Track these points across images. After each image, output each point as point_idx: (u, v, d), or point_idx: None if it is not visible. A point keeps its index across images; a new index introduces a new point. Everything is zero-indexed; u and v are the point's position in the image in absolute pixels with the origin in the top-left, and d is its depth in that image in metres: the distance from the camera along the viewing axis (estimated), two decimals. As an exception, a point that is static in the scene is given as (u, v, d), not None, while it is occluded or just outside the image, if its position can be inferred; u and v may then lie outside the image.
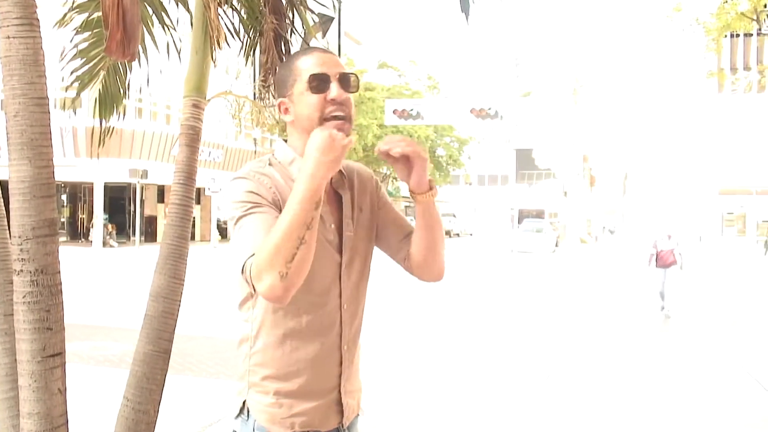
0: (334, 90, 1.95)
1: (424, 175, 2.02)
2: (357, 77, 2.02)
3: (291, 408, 1.98)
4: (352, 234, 2.09)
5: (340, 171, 2.11)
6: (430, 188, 2.04)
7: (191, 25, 4.32)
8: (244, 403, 2.01)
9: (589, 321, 12.64)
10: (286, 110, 2.03)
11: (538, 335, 10.95)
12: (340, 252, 2.05)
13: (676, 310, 13.38)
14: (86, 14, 4.24)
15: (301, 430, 1.99)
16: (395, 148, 1.97)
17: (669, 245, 13.19)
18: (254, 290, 1.81)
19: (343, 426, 2.09)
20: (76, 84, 4.52)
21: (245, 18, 4.08)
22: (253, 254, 1.78)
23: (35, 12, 2.88)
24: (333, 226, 2.05)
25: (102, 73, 4.52)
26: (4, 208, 3.64)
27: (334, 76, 1.96)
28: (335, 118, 1.94)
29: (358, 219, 2.12)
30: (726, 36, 22.92)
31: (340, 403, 2.07)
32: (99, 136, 4.71)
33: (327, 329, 2.03)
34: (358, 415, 2.19)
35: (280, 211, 1.84)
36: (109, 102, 4.67)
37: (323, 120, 1.94)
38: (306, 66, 1.97)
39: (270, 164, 2.04)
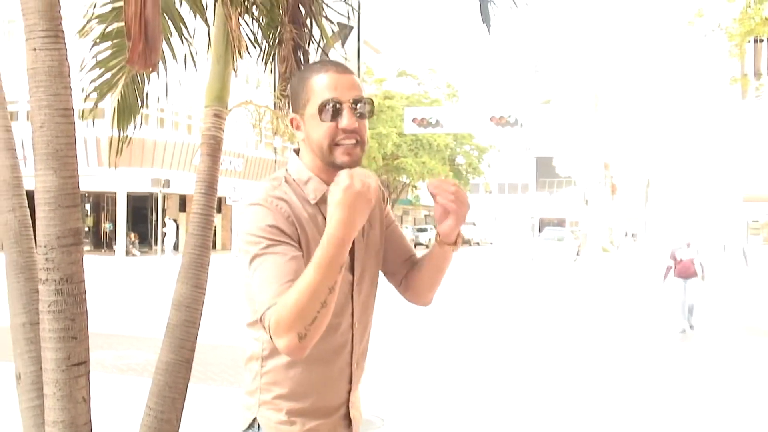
0: (346, 118, 1.87)
1: (457, 230, 2.00)
2: (372, 102, 1.94)
3: (303, 426, 1.98)
4: (363, 251, 2.05)
5: None
6: (456, 242, 2.03)
7: (209, 36, 4.35)
8: (254, 419, 2.00)
9: (609, 334, 12.54)
10: (298, 127, 1.98)
11: (559, 347, 10.88)
12: (352, 270, 2.01)
13: (698, 324, 12.53)
14: (105, 25, 4.28)
15: None
16: (441, 197, 1.95)
17: (689, 254, 12.20)
18: (271, 339, 1.79)
19: None
20: (94, 95, 4.56)
21: (265, 27, 4.11)
22: (272, 305, 1.75)
23: (60, 24, 2.92)
24: None
25: (121, 84, 4.56)
26: (29, 218, 3.68)
27: (347, 102, 1.88)
28: (345, 144, 1.89)
29: (369, 235, 2.08)
30: (749, 41, 22.74)
31: (348, 417, 2.07)
32: (116, 146, 4.74)
33: (339, 349, 2.02)
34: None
35: (298, 241, 1.85)
36: (127, 112, 4.71)
37: (334, 145, 1.89)
38: (319, 87, 1.88)
39: (286, 181, 1.99)
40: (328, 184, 1.91)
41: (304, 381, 1.97)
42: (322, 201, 1.91)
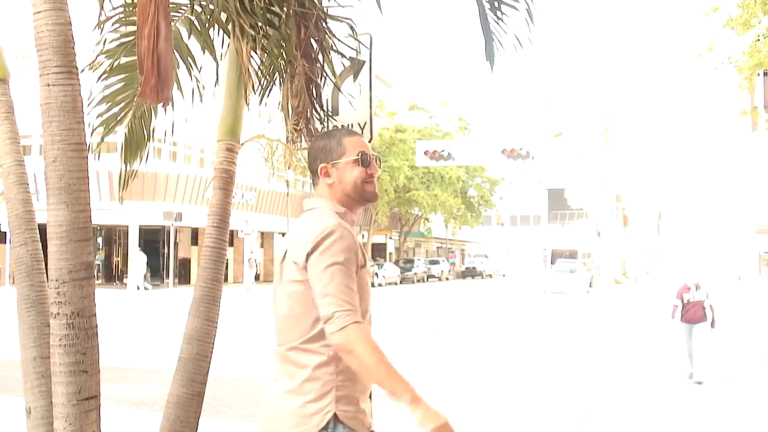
0: (373, 166, 2.59)
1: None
2: (380, 159, 2.72)
3: (366, 411, 2.44)
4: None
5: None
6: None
7: (216, 71, 4.39)
8: (333, 416, 2.34)
9: (615, 376, 12.37)
10: (328, 174, 2.56)
11: (563, 385, 10.78)
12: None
13: (707, 375, 10.61)
14: (113, 60, 4.32)
15: (372, 429, 2.47)
16: None
17: (697, 296, 10.72)
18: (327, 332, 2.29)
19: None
20: (100, 129, 4.59)
21: (276, 63, 4.14)
22: (348, 309, 2.26)
23: (74, 60, 2.95)
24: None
25: (128, 118, 4.59)
26: (41, 252, 3.69)
27: (373, 156, 2.60)
28: (369, 182, 2.56)
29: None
30: (759, 74, 22.78)
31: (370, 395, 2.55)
32: (122, 180, 4.77)
33: None
34: None
35: (356, 261, 2.38)
36: (134, 146, 4.74)
37: (364, 183, 2.54)
38: (354, 146, 2.57)
39: (335, 213, 2.50)
40: (354, 216, 2.58)
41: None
42: (353, 228, 2.53)
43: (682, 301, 10.74)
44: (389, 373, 2.22)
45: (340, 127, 2.92)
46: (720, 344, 13.79)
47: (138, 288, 33.31)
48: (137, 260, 33.91)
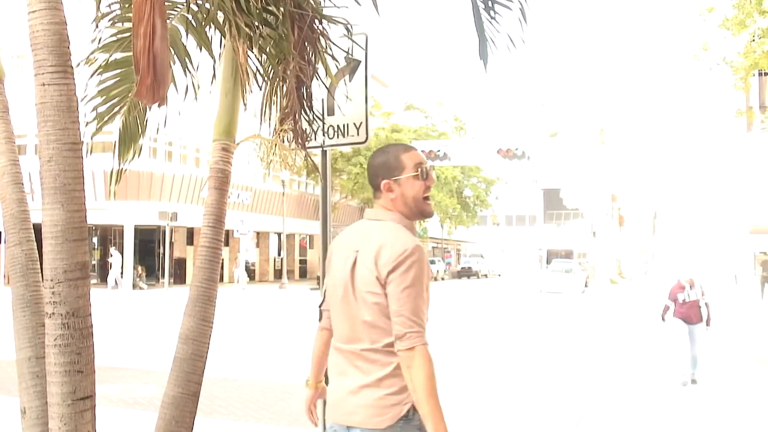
0: (431, 178, 2.77)
1: None
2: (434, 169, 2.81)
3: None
4: None
5: None
6: None
7: (213, 69, 4.38)
8: (410, 407, 2.55)
9: (611, 375, 12.38)
10: (390, 189, 2.73)
11: (567, 379, 10.79)
12: None
13: (703, 377, 10.39)
14: (108, 54, 4.31)
15: None
16: None
17: (693, 295, 10.21)
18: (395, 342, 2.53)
19: None
20: (93, 123, 4.58)
21: (269, 62, 4.13)
22: (422, 330, 2.51)
23: (69, 60, 2.95)
24: None
25: (123, 111, 4.58)
26: (36, 252, 3.68)
27: (429, 168, 2.79)
28: (426, 197, 2.76)
29: None
30: (754, 74, 22.80)
31: None
32: (115, 175, 4.75)
33: None
34: None
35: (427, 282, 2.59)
36: (128, 140, 4.73)
37: (424, 198, 2.74)
38: (410, 160, 2.74)
39: (406, 229, 2.68)
40: (414, 229, 2.76)
41: None
42: None
43: (676, 302, 10.25)
44: (433, 408, 2.45)
45: (395, 143, 3.03)
46: (717, 345, 13.74)
47: (115, 285, 33.42)
48: (114, 259, 34.01)
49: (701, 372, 10.35)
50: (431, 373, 2.48)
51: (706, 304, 10.26)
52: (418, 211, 2.75)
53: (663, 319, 10.55)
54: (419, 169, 2.73)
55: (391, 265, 2.53)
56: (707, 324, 10.35)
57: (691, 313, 10.18)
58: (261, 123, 4.19)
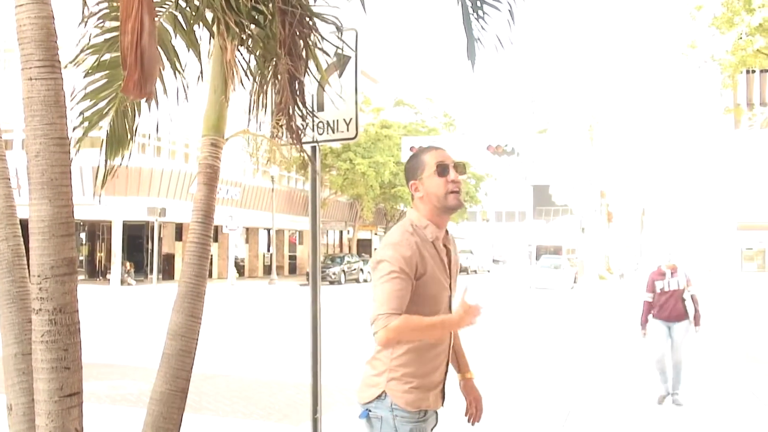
0: (452, 174, 2.88)
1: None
2: (465, 164, 2.98)
3: (420, 395, 2.84)
4: (453, 269, 3.00)
5: (447, 231, 2.97)
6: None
7: (201, 70, 4.36)
8: (383, 391, 2.82)
9: (599, 371, 12.41)
10: (416, 189, 2.91)
11: (556, 374, 10.82)
12: (449, 287, 2.95)
13: (687, 393, 8.51)
14: (98, 55, 4.29)
15: (424, 410, 2.85)
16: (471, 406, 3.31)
17: (674, 284, 8.33)
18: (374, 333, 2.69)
19: (443, 406, 3.00)
20: (84, 124, 4.55)
21: (260, 59, 4.12)
22: (386, 313, 2.64)
23: (57, 54, 2.93)
24: (447, 268, 2.93)
25: (111, 114, 4.56)
26: (23, 247, 3.66)
27: (452, 164, 2.90)
28: (453, 192, 2.86)
29: (453, 257, 3.03)
30: (742, 72, 22.92)
31: (443, 392, 2.98)
32: (102, 177, 4.73)
33: (445, 341, 2.95)
34: None
35: (415, 273, 2.75)
36: (116, 143, 4.70)
37: (447, 194, 2.86)
38: (432, 159, 2.88)
39: (412, 227, 2.86)
40: (439, 227, 2.90)
41: (421, 364, 2.85)
42: (437, 240, 2.89)
43: (654, 292, 8.44)
44: (427, 331, 2.72)
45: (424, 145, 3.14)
46: (706, 348, 12.93)
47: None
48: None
49: (686, 390, 8.51)
50: (400, 332, 2.66)
51: (692, 296, 8.36)
52: (443, 206, 2.88)
53: (643, 327, 8.52)
54: (437, 166, 2.86)
55: (376, 256, 2.81)
56: (695, 323, 8.36)
57: (673, 308, 8.30)
58: (250, 119, 4.18)
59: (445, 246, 2.97)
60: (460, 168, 2.92)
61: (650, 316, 8.50)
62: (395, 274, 2.70)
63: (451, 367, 3.11)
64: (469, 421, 3.26)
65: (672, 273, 8.40)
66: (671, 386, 8.37)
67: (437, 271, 2.85)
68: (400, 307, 2.67)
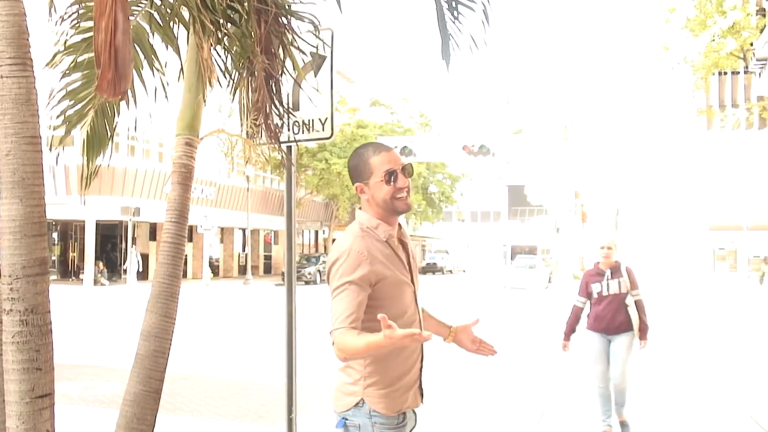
0: (401, 180, 2.83)
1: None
2: (412, 165, 2.92)
3: (398, 397, 2.83)
4: (414, 270, 2.96)
5: (399, 224, 2.94)
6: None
7: (181, 69, 4.34)
8: (360, 399, 2.78)
9: (574, 371, 12.46)
10: (362, 191, 2.87)
11: (530, 374, 10.88)
12: (412, 282, 2.92)
13: (635, 418, 7.06)
14: (75, 56, 4.25)
15: (403, 410, 2.84)
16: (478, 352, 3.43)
17: (614, 286, 6.57)
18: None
19: (422, 402, 2.97)
20: (64, 124, 4.51)
21: (236, 57, 4.11)
22: (340, 328, 2.58)
23: (29, 52, 2.90)
24: (406, 264, 2.89)
25: (91, 114, 4.52)
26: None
27: (399, 169, 2.83)
28: (401, 197, 2.82)
29: (412, 258, 3.00)
30: (714, 74, 23.18)
31: (420, 389, 2.95)
32: (85, 178, 4.69)
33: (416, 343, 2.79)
34: None
35: (368, 276, 2.68)
36: (96, 144, 4.67)
37: (394, 199, 2.81)
38: (380, 166, 2.82)
39: (361, 230, 2.81)
40: (391, 225, 2.87)
41: (397, 367, 2.82)
42: (390, 237, 2.85)
43: (590, 297, 6.74)
44: (366, 350, 2.54)
45: (369, 143, 2.90)
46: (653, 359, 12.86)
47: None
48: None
49: (631, 410, 7.08)
50: (344, 348, 2.57)
51: (636, 302, 6.61)
52: (391, 210, 2.85)
53: (566, 338, 7.00)
54: (385, 175, 2.81)
55: (327, 268, 2.79)
56: (641, 336, 6.62)
57: (609, 316, 6.61)
58: (226, 118, 4.17)
59: (400, 241, 2.93)
60: (408, 170, 2.88)
61: (584, 325, 6.90)
62: (345, 286, 2.66)
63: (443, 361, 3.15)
64: (487, 355, 3.40)
65: (612, 273, 6.59)
66: (615, 411, 6.77)
67: (396, 270, 2.81)
68: (355, 320, 2.63)
